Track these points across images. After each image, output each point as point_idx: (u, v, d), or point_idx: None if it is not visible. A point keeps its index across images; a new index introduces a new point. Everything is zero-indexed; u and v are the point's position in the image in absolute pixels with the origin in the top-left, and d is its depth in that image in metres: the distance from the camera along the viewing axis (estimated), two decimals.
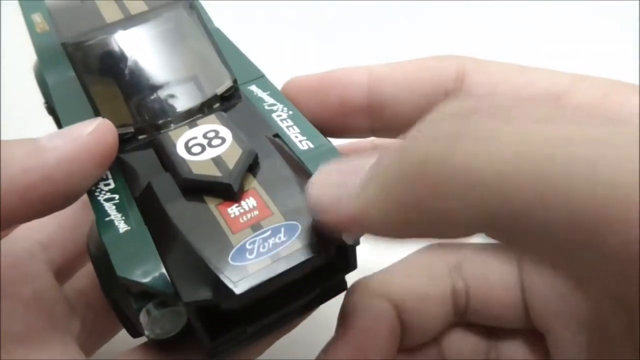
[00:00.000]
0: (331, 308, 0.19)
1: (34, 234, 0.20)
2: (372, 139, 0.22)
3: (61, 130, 0.18)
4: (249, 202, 0.16)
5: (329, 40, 0.43)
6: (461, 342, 0.20)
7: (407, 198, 0.12)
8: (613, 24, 0.43)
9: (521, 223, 0.10)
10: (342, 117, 0.20)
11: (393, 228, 0.13)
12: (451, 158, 0.11)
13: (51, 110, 0.23)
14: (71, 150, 0.17)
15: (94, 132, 0.17)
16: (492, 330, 0.20)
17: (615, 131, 0.10)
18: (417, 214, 0.12)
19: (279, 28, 0.44)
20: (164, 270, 0.15)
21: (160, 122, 0.19)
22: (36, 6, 0.24)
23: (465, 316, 0.20)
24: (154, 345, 0.18)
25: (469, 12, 0.46)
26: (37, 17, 0.24)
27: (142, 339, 0.18)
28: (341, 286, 0.19)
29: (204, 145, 0.18)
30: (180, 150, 0.17)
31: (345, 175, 0.14)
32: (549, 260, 0.12)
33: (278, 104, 0.20)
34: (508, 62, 0.18)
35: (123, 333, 0.19)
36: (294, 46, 0.41)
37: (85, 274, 0.22)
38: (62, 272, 0.21)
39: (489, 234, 0.11)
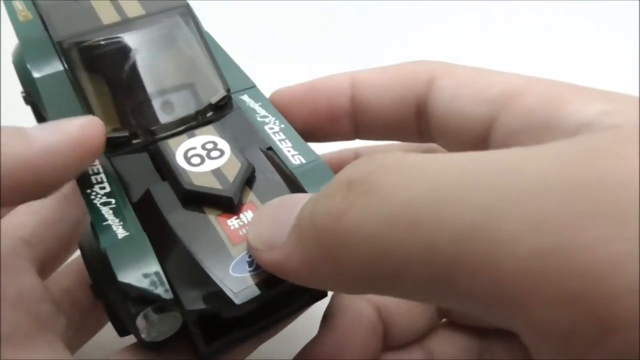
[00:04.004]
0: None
1: (17, 231, 0.20)
2: (355, 148, 0.23)
3: (50, 122, 0.18)
4: (247, 215, 0.17)
5: (313, 49, 0.43)
6: (449, 341, 0.21)
7: (315, 255, 0.14)
8: (613, 24, 0.44)
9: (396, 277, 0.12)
10: (330, 122, 0.21)
11: (310, 279, 0.15)
12: (341, 226, 0.13)
13: (30, 102, 0.23)
14: (57, 141, 0.17)
15: (83, 127, 0.17)
16: (485, 331, 0.21)
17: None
18: (322, 271, 0.14)
19: (262, 38, 0.44)
20: (163, 277, 0.16)
21: (155, 127, 0.19)
22: None
23: (451, 316, 0.21)
24: (144, 345, 0.18)
25: (467, 16, 0.46)
26: (18, 5, 0.23)
27: (129, 337, 0.19)
28: (324, 293, 0.20)
29: (203, 157, 0.18)
30: (180, 160, 0.18)
31: (277, 223, 0.15)
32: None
33: (270, 116, 0.20)
34: (481, 66, 0.19)
35: (110, 332, 0.19)
36: (276, 56, 0.41)
37: (70, 271, 0.22)
38: (46, 268, 0.21)
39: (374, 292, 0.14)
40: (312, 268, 0.14)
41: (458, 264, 0.11)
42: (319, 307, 0.20)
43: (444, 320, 0.22)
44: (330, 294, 0.20)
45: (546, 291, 0.10)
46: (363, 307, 0.20)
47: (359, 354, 0.19)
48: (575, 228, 0.10)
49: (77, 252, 0.23)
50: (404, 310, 0.20)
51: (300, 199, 0.15)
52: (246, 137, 0.19)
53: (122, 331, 0.19)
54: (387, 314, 0.20)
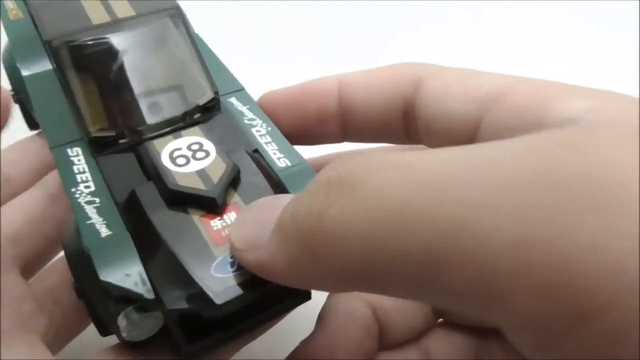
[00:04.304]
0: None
1: (1, 229, 0.20)
2: (343, 152, 0.23)
3: (21, 143, 0.18)
4: (231, 216, 0.17)
5: (302, 52, 0.43)
6: (446, 341, 0.21)
7: (297, 254, 0.14)
8: (613, 24, 0.44)
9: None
10: (318, 125, 0.21)
11: (293, 279, 0.15)
12: (322, 225, 0.13)
13: (19, 100, 0.23)
14: None
15: None
16: (482, 330, 0.21)
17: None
18: (305, 271, 0.14)
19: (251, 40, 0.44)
20: (145, 277, 0.16)
21: (142, 128, 0.19)
22: None
23: (447, 315, 0.21)
24: (126, 345, 0.18)
25: (463, 16, 0.46)
26: (9, 4, 0.23)
27: (112, 338, 0.19)
28: (307, 295, 0.20)
29: (188, 157, 0.18)
30: (165, 161, 0.18)
31: (260, 224, 0.15)
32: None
33: (257, 119, 0.21)
34: (467, 68, 0.20)
35: (93, 332, 0.19)
36: (265, 59, 0.41)
37: (53, 270, 0.22)
38: (30, 266, 0.21)
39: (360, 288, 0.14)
40: (294, 267, 0.14)
41: (441, 261, 0.11)
42: (314, 308, 0.20)
43: (440, 320, 0.22)
44: (316, 295, 0.20)
45: (524, 282, 0.10)
46: (358, 306, 0.20)
47: (352, 354, 0.19)
48: (550, 219, 0.10)
49: (62, 252, 0.23)
50: (400, 310, 0.20)
51: (283, 200, 0.15)
52: (232, 139, 0.20)
53: (104, 331, 0.19)
54: (383, 313, 0.20)
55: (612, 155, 0.11)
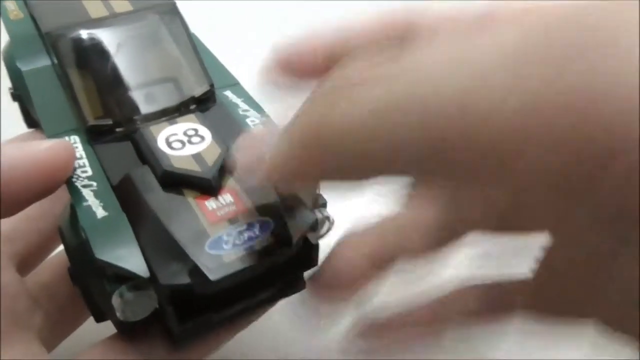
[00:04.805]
0: None
1: None
2: None
3: (21, 139, 0.18)
4: (225, 198, 0.17)
5: None
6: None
7: (306, 148, 0.14)
8: None
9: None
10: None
11: (303, 173, 0.15)
12: (328, 120, 0.14)
13: (18, 97, 0.23)
14: (20, 159, 0.17)
15: (50, 149, 0.17)
16: None
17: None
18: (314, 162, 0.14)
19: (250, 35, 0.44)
20: (140, 255, 0.16)
21: (138, 117, 0.20)
22: None
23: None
24: (120, 330, 0.18)
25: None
26: (10, 5, 0.24)
27: (107, 333, 0.19)
28: (300, 285, 0.20)
29: (184, 142, 0.19)
30: (161, 144, 0.18)
31: (263, 139, 0.16)
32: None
33: (251, 110, 0.21)
34: None
35: (86, 329, 0.19)
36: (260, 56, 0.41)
37: (50, 265, 0.22)
38: (27, 263, 0.21)
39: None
40: (307, 157, 0.15)
41: (448, 134, 0.12)
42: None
43: None
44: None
45: (536, 137, 0.11)
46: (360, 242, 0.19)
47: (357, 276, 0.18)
48: (554, 75, 0.11)
49: (59, 248, 0.24)
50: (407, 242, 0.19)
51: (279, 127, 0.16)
52: (227, 127, 0.20)
53: (98, 316, 0.19)
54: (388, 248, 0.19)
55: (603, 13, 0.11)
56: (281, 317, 0.21)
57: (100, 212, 0.17)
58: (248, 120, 0.21)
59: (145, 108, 0.20)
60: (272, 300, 0.19)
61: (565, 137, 0.11)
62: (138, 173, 0.18)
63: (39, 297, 0.21)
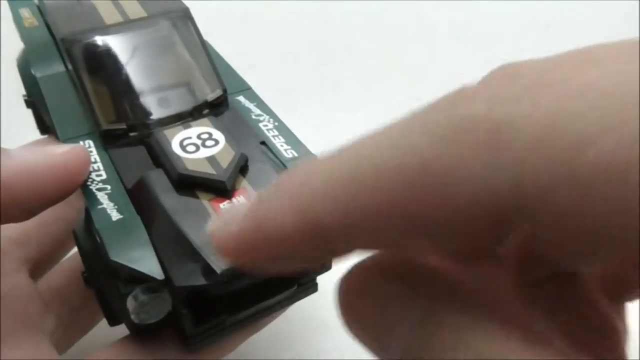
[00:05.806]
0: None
1: (9, 231, 0.20)
2: None
3: (35, 144, 0.18)
4: (239, 200, 0.17)
5: (306, 54, 0.43)
6: None
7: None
8: (613, 24, 0.44)
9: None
10: None
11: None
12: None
13: (31, 103, 0.24)
14: (35, 163, 0.17)
15: (65, 153, 0.17)
16: None
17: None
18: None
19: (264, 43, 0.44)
20: (155, 257, 0.16)
21: (152, 121, 0.20)
22: (24, 2, 0.25)
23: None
24: (134, 332, 0.18)
25: (464, 16, 0.47)
26: (25, 12, 0.24)
27: (118, 335, 0.19)
28: (313, 288, 0.20)
29: (198, 145, 0.19)
30: (176, 148, 0.18)
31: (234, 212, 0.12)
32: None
33: (264, 114, 0.21)
34: None
35: (99, 330, 0.19)
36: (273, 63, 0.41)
37: (61, 271, 0.22)
38: (39, 267, 0.21)
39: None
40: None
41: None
42: (314, 310, 0.19)
43: None
44: (321, 297, 0.19)
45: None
46: None
47: None
48: None
49: (71, 251, 0.24)
50: None
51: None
52: (240, 131, 0.20)
53: (113, 320, 0.19)
54: None
55: None
56: (286, 317, 0.21)
57: (114, 215, 0.17)
58: (261, 125, 0.21)
59: (158, 112, 0.20)
60: (285, 303, 0.19)
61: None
62: (152, 176, 0.18)
63: (51, 300, 0.21)
